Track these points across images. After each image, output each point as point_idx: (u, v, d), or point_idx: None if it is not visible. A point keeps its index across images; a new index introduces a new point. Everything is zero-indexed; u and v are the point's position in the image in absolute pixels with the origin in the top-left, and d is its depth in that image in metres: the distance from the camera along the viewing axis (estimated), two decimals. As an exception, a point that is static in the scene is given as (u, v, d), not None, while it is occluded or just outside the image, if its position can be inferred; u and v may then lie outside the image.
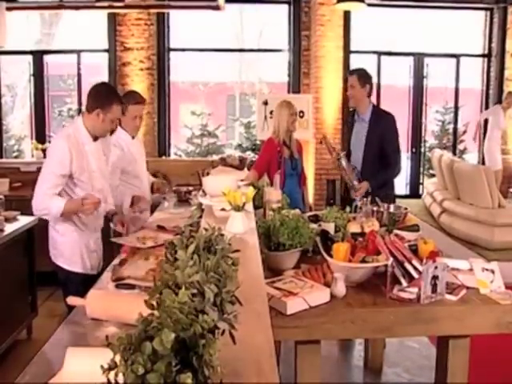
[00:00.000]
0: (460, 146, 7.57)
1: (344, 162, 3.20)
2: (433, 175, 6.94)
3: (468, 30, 7.41)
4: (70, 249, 2.41)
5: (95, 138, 2.42)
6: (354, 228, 2.38)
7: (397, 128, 3.34)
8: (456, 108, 6.95)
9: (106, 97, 2.33)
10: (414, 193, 6.79)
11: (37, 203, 2.26)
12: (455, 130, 7.16)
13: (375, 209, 2.70)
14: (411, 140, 6.72)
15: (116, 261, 2.15)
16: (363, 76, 3.30)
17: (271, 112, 5.15)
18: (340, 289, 1.87)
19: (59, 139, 2.33)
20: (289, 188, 3.22)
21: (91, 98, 2.35)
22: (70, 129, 2.39)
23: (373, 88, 3.35)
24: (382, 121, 3.29)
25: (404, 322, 1.81)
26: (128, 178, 2.95)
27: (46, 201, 2.25)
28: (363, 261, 1.97)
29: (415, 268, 1.91)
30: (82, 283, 2.20)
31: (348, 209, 2.60)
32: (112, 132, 2.77)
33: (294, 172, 3.58)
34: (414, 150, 6.73)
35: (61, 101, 8.67)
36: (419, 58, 6.63)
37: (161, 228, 2.70)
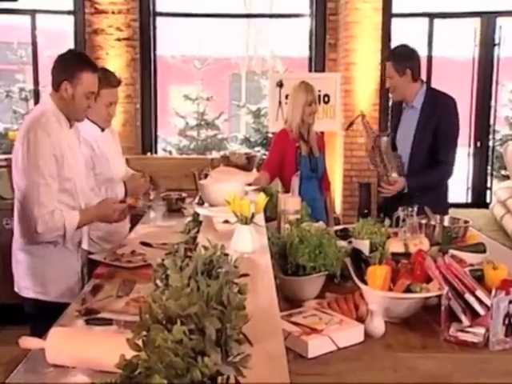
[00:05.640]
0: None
1: (384, 145, 3.17)
2: (506, 177, 6.87)
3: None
4: (47, 273, 2.42)
5: (70, 125, 2.46)
6: (395, 247, 2.38)
7: (457, 115, 3.28)
8: (543, 85, 6.88)
9: (74, 63, 2.36)
10: (479, 201, 6.69)
11: (44, 227, 2.23)
12: (541, 115, 7.08)
13: (424, 221, 2.69)
14: (475, 130, 6.58)
15: (87, 288, 2.17)
16: (401, 59, 3.26)
17: (287, 96, 5.17)
18: (377, 326, 1.86)
19: (36, 130, 2.27)
20: (306, 194, 3.23)
21: (56, 70, 2.38)
22: (37, 112, 2.38)
23: (419, 67, 3.29)
24: (439, 106, 3.24)
25: (466, 372, 1.77)
26: (97, 182, 2.96)
27: (57, 218, 2.25)
28: (408, 290, 1.96)
29: (480, 301, 1.89)
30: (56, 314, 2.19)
31: (387, 221, 2.59)
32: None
33: (313, 174, 3.59)
34: (478, 143, 6.62)
35: (9, 77, 8.62)
36: (488, 18, 6.41)
37: (146, 245, 2.73)
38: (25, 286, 2.45)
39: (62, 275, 2.44)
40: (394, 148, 3.30)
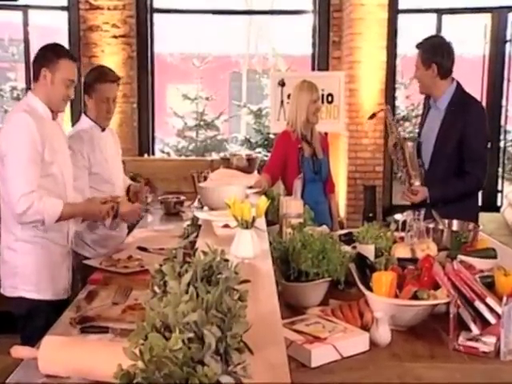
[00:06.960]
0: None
1: (409, 150, 3.13)
2: (517, 179, 6.87)
3: None
4: (35, 271, 2.44)
5: (53, 117, 2.54)
6: (401, 252, 2.38)
7: (485, 122, 3.21)
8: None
9: (51, 51, 2.50)
10: (490, 204, 6.67)
11: (23, 207, 2.28)
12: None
13: (432, 226, 2.69)
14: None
15: (82, 294, 2.17)
16: (429, 51, 3.14)
17: (289, 96, 5.19)
18: (383, 334, 1.86)
19: (17, 114, 2.42)
20: (310, 197, 3.24)
21: (35, 62, 2.51)
22: (23, 105, 2.50)
23: (450, 64, 3.14)
24: (465, 112, 3.12)
25: (476, 383, 1.79)
26: (95, 182, 2.97)
27: (35, 202, 2.30)
28: (415, 297, 1.96)
29: (491, 309, 1.88)
30: (51, 313, 2.19)
31: (393, 225, 2.59)
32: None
33: (316, 176, 3.59)
34: (489, 144, 6.59)
35: (1, 75, 8.62)
36: (499, 14, 6.42)
37: (143, 250, 2.73)
38: (9, 284, 2.47)
39: (50, 272, 2.47)
40: (419, 155, 3.22)
